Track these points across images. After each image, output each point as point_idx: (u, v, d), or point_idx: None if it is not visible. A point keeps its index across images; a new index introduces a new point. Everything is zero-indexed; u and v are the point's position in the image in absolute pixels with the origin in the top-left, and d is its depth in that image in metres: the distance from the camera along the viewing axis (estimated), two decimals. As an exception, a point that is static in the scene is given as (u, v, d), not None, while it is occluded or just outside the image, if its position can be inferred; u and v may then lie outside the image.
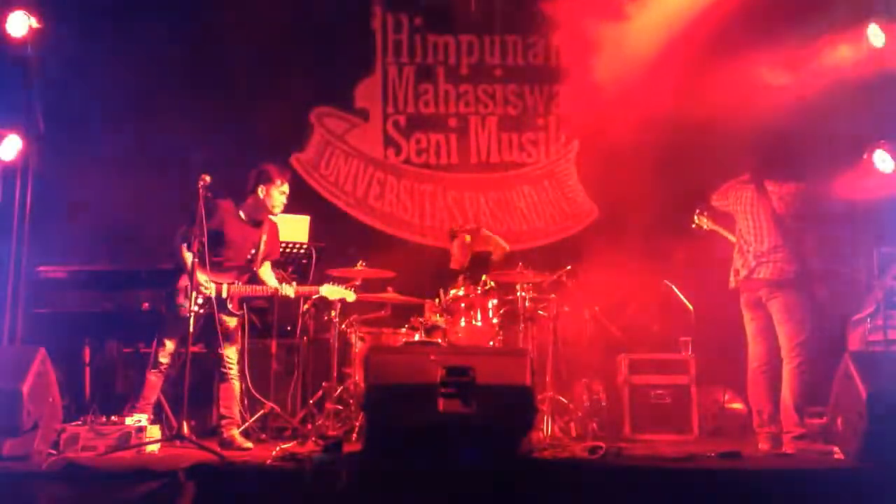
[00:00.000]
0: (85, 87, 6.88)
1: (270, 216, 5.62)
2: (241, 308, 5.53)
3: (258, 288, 5.56)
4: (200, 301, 5.29)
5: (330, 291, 5.69)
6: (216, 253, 5.32)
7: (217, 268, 5.33)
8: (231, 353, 5.49)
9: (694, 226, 5.82)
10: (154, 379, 5.35)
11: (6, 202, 6.17)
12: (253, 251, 5.51)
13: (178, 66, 7.08)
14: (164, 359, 5.34)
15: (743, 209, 5.46)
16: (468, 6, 7.98)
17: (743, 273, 5.38)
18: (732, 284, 5.46)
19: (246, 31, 7.44)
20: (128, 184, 6.81)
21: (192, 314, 5.10)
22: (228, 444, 5.29)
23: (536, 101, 8.08)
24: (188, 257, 5.25)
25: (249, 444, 5.32)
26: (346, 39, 7.89)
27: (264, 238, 5.55)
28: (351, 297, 5.77)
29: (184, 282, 5.28)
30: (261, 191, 5.51)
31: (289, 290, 5.54)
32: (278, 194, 5.56)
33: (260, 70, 7.56)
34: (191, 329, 5.04)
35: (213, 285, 5.32)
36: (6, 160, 6.09)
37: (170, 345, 5.34)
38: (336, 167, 7.91)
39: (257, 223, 5.55)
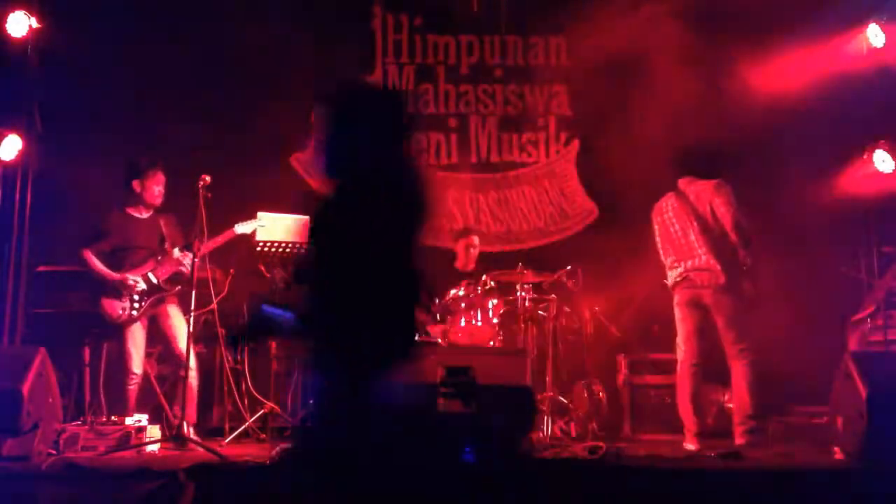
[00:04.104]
0: (85, 88, 6.88)
1: (154, 208, 5.63)
2: (172, 285, 5.54)
3: (177, 260, 5.53)
4: (137, 298, 5.33)
5: (244, 227, 5.77)
6: (129, 258, 5.44)
7: (135, 266, 5.45)
8: (181, 345, 5.43)
9: None
10: (133, 392, 5.36)
11: (6, 202, 6.18)
12: (160, 236, 5.57)
13: (178, 67, 7.07)
14: (137, 369, 5.36)
15: (668, 219, 5.53)
16: (469, 6, 7.98)
17: (676, 278, 5.46)
18: (669, 283, 5.54)
19: (246, 31, 7.44)
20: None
21: (126, 313, 5.24)
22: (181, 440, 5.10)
23: (536, 101, 8.07)
24: (96, 262, 5.37)
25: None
26: (346, 39, 7.88)
27: (162, 223, 5.59)
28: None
29: (107, 292, 5.34)
30: (136, 185, 5.55)
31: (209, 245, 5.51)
32: (155, 186, 5.58)
33: (260, 70, 7.55)
34: (190, 329, 5.05)
35: (139, 278, 5.39)
36: (6, 160, 6.09)
37: (136, 354, 5.36)
38: (336, 167, 7.89)
39: (149, 213, 5.60)
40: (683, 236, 5.46)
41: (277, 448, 4.85)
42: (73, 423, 4.89)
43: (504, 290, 6.08)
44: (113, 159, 6.55)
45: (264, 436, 5.84)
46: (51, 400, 4.71)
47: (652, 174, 6.44)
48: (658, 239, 5.64)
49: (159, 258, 5.48)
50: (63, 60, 6.50)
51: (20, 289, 6.16)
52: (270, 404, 5.93)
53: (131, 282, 5.34)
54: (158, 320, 5.49)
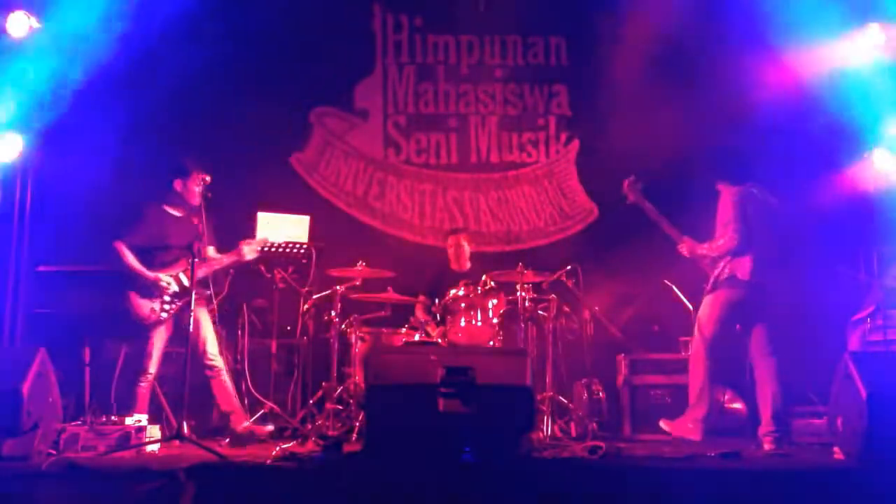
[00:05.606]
0: (84, 87, 6.87)
1: (193, 207, 5.59)
2: (206, 288, 5.55)
3: (213, 262, 5.58)
4: (168, 299, 5.32)
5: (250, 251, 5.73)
6: (161, 257, 5.41)
7: (167, 265, 5.40)
8: (212, 348, 5.47)
9: (623, 193, 5.85)
10: (144, 390, 5.36)
11: (6, 202, 6.18)
12: (195, 236, 5.54)
13: (177, 67, 7.06)
14: (152, 369, 5.36)
15: (753, 209, 5.44)
16: (470, 6, 7.99)
17: (732, 272, 5.41)
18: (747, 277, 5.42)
19: (246, 31, 7.44)
20: (128, 183, 6.82)
21: (157, 314, 5.19)
22: (248, 436, 5.32)
23: (536, 101, 8.07)
24: (129, 256, 5.32)
25: (270, 427, 5.43)
26: (346, 39, 7.88)
27: (197, 223, 5.53)
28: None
29: (138, 291, 5.31)
30: (178, 184, 5.52)
31: (247, 251, 5.54)
32: (195, 187, 5.53)
33: (260, 70, 7.55)
34: (191, 328, 5.05)
35: (171, 280, 5.35)
36: (6, 160, 6.09)
37: (156, 354, 5.36)
38: (336, 167, 7.91)
39: (187, 212, 5.55)
40: (758, 234, 5.40)
41: (277, 448, 4.86)
42: (73, 423, 4.88)
43: (504, 290, 6.08)
44: (113, 158, 6.58)
45: (261, 426, 5.83)
46: (51, 400, 4.72)
47: (652, 174, 6.44)
48: (736, 218, 5.39)
49: (191, 259, 5.46)
50: (65, 60, 6.50)
51: (20, 289, 6.16)
52: (270, 404, 5.92)
53: (164, 283, 5.31)
54: (185, 324, 5.47)
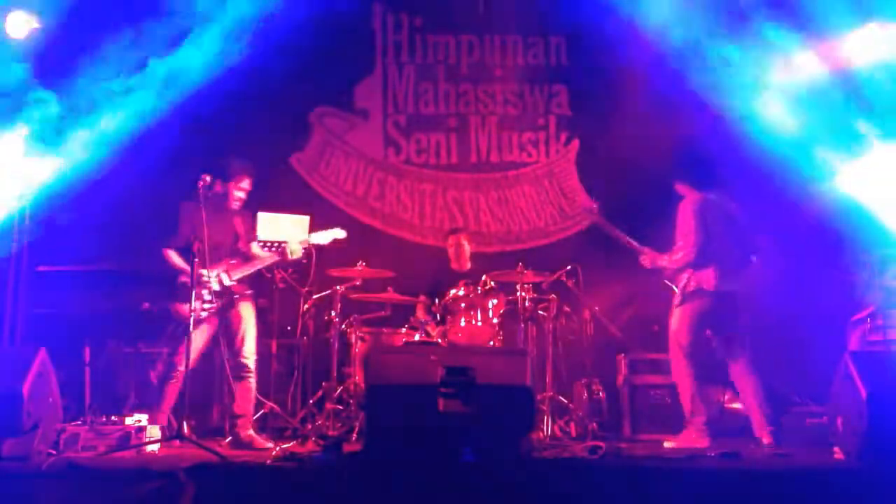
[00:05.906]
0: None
1: (230, 209, 5.58)
2: (247, 287, 5.54)
3: (256, 261, 5.57)
4: (209, 298, 5.30)
5: (321, 237, 5.71)
6: (201, 256, 5.35)
7: (205, 265, 5.34)
8: (247, 347, 5.46)
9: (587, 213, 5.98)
10: (173, 387, 5.34)
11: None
12: (234, 234, 5.53)
13: (178, 68, 7.05)
14: (182, 366, 5.34)
15: (713, 219, 5.48)
16: (470, 6, 7.98)
17: (700, 286, 5.43)
18: (712, 289, 5.43)
19: (245, 31, 7.43)
20: (128, 183, 6.82)
21: (196, 313, 5.15)
22: (248, 444, 5.29)
23: (536, 101, 8.07)
24: (175, 259, 5.32)
25: (269, 444, 5.31)
26: (346, 39, 7.88)
27: (238, 222, 5.57)
28: (340, 233, 5.78)
29: (180, 291, 5.28)
30: (219, 186, 5.45)
31: (294, 248, 5.49)
32: (236, 191, 5.54)
33: (260, 70, 7.53)
34: (191, 329, 5.05)
35: (213, 275, 5.32)
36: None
37: (192, 351, 5.34)
38: (336, 167, 7.91)
39: (224, 212, 5.52)
40: (719, 243, 5.43)
41: (277, 448, 4.86)
42: (73, 423, 4.88)
43: (504, 290, 6.08)
44: (113, 158, 6.57)
45: (264, 436, 5.83)
46: (51, 400, 4.72)
47: (652, 174, 6.45)
48: (697, 230, 5.44)
49: (233, 260, 5.46)
50: (62, 59, 6.50)
51: (20, 289, 6.16)
52: (270, 404, 5.93)
53: (205, 279, 5.30)
54: (230, 321, 5.43)
